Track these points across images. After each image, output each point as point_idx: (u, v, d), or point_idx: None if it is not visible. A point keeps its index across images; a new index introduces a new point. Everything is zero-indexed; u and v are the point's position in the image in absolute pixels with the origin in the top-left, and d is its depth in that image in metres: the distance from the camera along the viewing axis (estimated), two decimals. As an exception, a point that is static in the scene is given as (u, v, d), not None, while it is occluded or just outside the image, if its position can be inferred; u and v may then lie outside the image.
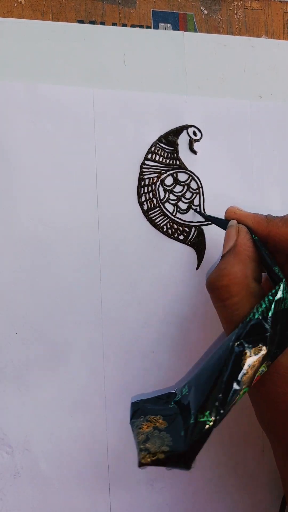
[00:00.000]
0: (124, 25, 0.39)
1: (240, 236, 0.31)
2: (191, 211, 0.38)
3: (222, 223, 0.34)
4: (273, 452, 0.30)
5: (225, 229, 0.34)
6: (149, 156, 0.38)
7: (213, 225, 0.39)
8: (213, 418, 0.25)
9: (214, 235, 0.39)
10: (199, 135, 0.39)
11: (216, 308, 0.30)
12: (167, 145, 0.38)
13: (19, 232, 0.35)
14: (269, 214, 0.33)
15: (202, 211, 0.38)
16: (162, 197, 0.38)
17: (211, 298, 0.31)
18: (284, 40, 0.43)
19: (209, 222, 0.39)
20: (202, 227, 0.39)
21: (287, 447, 0.28)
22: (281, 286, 0.28)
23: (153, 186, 0.38)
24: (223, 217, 0.34)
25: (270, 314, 0.27)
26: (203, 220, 0.38)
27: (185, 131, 0.38)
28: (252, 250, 0.31)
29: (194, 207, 0.38)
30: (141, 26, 0.40)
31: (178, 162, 0.38)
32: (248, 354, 0.26)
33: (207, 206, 0.39)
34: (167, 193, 0.38)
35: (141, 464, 0.26)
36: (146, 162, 0.37)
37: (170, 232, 0.38)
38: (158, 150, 0.38)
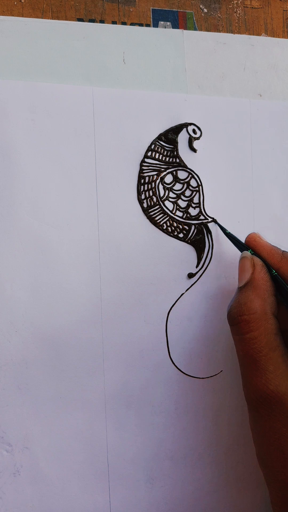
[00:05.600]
0: (123, 23, 0.39)
1: (256, 270, 0.32)
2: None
3: (239, 245, 0.36)
4: (268, 488, 0.31)
5: (240, 250, 0.35)
6: (149, 154, 0.38)
7: (213, 224, 0.39)
8: None
9: (214, 234, 0.39)
10: (198, 133, 0.39)
11: (234, 340, 0.32)
12: (167, 143, 0.38)
13: (19, 230, 0.35)
14: (286, 251, 0.34)
15: (222, 227, 0.39)
16: (161, 195, 0.38)
17: (231, 330, 0.32)
18: (284, 39, 0.43)
19: (209, 221, 0.39)
20: (201, 225, 0.38)
21: (282, 483, 0.29)
22: None
23: (153, 184, 0.38)
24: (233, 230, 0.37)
25: None
26: (203, 218, 0.38)
27: (184, 129, 0.38)
28: (269, 284, 0.32)
29: (218, 223, 0.39)
30: (140, 25, 0.40)
31: (177, 160, 0.38)
32: None
33: (207, 204, 0.39)
34: (167, 191, 0.38)
35: None
36: (146, 160, 0.37)
37: (170, 230, 0.38)
38: (157, 148, 0.38)
